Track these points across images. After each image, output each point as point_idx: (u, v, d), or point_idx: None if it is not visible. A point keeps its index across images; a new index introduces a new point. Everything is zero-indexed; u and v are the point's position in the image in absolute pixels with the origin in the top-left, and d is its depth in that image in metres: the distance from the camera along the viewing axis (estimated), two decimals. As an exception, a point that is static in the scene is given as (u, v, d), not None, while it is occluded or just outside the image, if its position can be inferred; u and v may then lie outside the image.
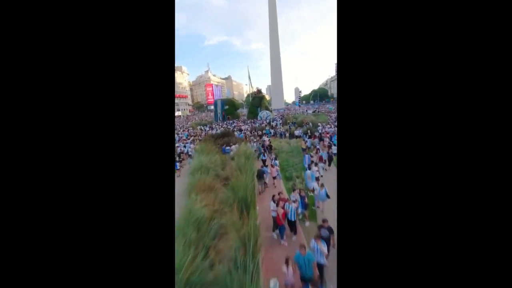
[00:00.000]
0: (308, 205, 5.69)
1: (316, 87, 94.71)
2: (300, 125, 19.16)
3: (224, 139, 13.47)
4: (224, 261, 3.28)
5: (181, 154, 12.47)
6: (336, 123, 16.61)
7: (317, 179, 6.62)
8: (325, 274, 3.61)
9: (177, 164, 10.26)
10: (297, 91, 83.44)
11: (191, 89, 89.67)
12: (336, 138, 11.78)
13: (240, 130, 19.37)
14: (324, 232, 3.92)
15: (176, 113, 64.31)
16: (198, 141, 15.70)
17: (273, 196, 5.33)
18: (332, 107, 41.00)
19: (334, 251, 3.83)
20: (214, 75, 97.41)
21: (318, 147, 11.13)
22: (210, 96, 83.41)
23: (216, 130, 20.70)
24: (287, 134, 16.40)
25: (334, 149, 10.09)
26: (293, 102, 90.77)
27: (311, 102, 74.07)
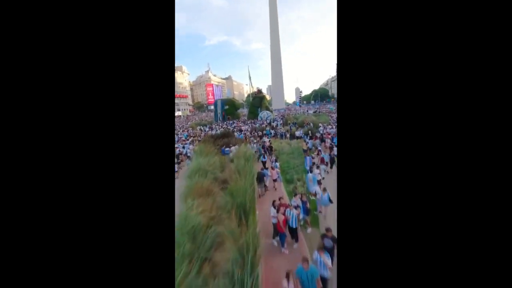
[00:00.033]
0: (310, 210, 5.44)
1: (316, 87, 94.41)
2: (301, 125, 18.88)
3: (223, 139, 13.23)
4: (220, 276, 3.04)
5: (180, 156, 12.21)
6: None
7: (319, 182, 6.37)
8: (329, 288, 3.36)
9: (175, 166, 10.03)
10: (298, 91, 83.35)
11: (191, 89, 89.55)
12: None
13: (240, 130, 19.12)
14: (328, 242, 3.66)
15: (176, 113, 64.23)
16: (197, 141, 15.45)
17: (274, 201, 5.07)
18: (333, 107, 40.65)
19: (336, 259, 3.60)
20: (215, 75, 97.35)
21: (319, 148, 10.90)
22: (210, 96, 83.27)
23: (216, 130, 20.45)
24: (288, 135, 16.12)
25: (336, 151, 9.86)
26: (294, 102, 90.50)
27: (312, 102, 73.81)
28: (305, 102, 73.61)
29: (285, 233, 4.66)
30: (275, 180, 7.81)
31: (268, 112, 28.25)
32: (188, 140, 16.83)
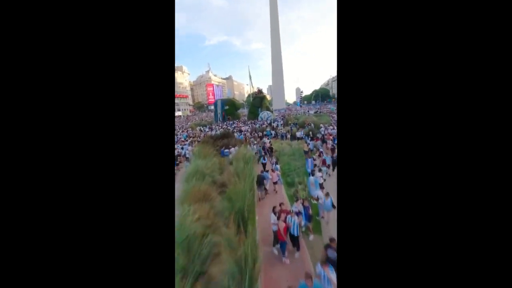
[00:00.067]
0: (312, 216, 5.19)
1: (317, 87, 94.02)
2: (302, 126, 18.60)
3: (223, 140, 12.98)
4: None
5: (178, 157, 11.96)
6: (339, 124, 16.06)
7: (321, 186, 6.13)
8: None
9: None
10: (298, 91, 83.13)
11: (191, 89, 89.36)
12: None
13: (240, 131, 18.87)
14: (332, 254, 3.42)
15: (177, 113, 64.02)
16: (196, 142, 15.21)
17: (274, 207, 4.82)
18: (334, 107, 40.39)
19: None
20: (215, 75, 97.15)
21: (321, 149, 10.65)
22: (211, 96, 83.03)
23: (216, 131, 20.19)
24: (289, 136, 15.87)
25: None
26: (294, 103, 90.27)
27: (313, 102, 73.50)
28: (305, 102, 73.24)
29: (286, 241, 4.42)
30: (275, 183, 7.58)
31: (268, 112, 27.98)
32: (187, 141, 16.57)
